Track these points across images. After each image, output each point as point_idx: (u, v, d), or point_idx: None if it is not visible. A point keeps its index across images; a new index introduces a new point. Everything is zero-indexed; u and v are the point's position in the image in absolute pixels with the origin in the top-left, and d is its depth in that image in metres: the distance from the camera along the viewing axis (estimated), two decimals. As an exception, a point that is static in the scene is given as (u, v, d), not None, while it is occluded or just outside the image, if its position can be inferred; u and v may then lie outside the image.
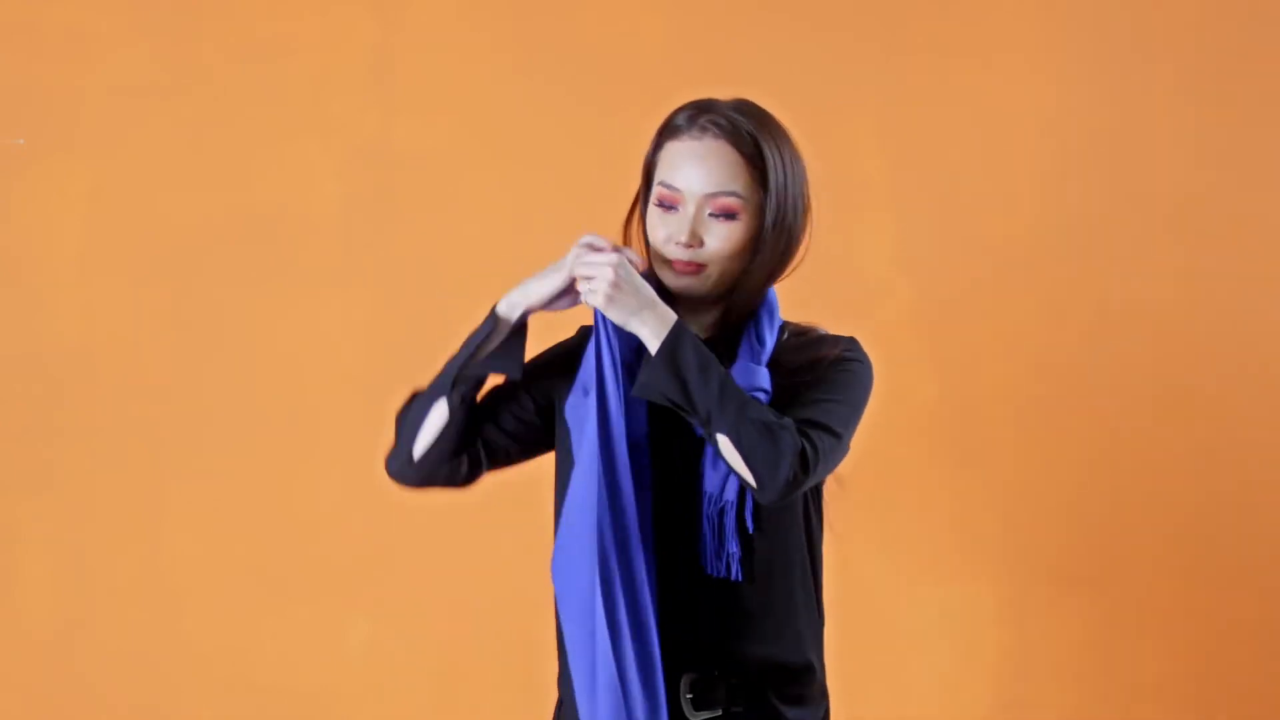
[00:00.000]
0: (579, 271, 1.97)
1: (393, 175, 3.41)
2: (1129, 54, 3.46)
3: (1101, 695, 3.44)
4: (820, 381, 2.03)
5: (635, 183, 2.13)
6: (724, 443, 1.93)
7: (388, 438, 2.11)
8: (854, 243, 3.41)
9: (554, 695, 2.16)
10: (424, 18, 3.42)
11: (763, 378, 2.01)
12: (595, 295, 1.95)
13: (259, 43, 3.39)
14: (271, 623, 3.38)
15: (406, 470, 2.08)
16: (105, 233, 3.37)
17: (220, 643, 3.38)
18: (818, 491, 2.13)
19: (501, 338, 2.04)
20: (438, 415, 2.05)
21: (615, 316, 1.95)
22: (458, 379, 2.03)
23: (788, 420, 1.93)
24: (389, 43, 3.41)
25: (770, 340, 2.06)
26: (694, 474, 2.03)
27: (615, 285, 1.94)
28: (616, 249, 1.99)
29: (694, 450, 2.04)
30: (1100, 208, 3.45)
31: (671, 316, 1.96)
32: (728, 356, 2.05)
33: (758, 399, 1.98)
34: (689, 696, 2.03)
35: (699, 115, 2.03)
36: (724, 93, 2.11)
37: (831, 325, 2.17)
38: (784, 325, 2.12)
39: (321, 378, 3.39)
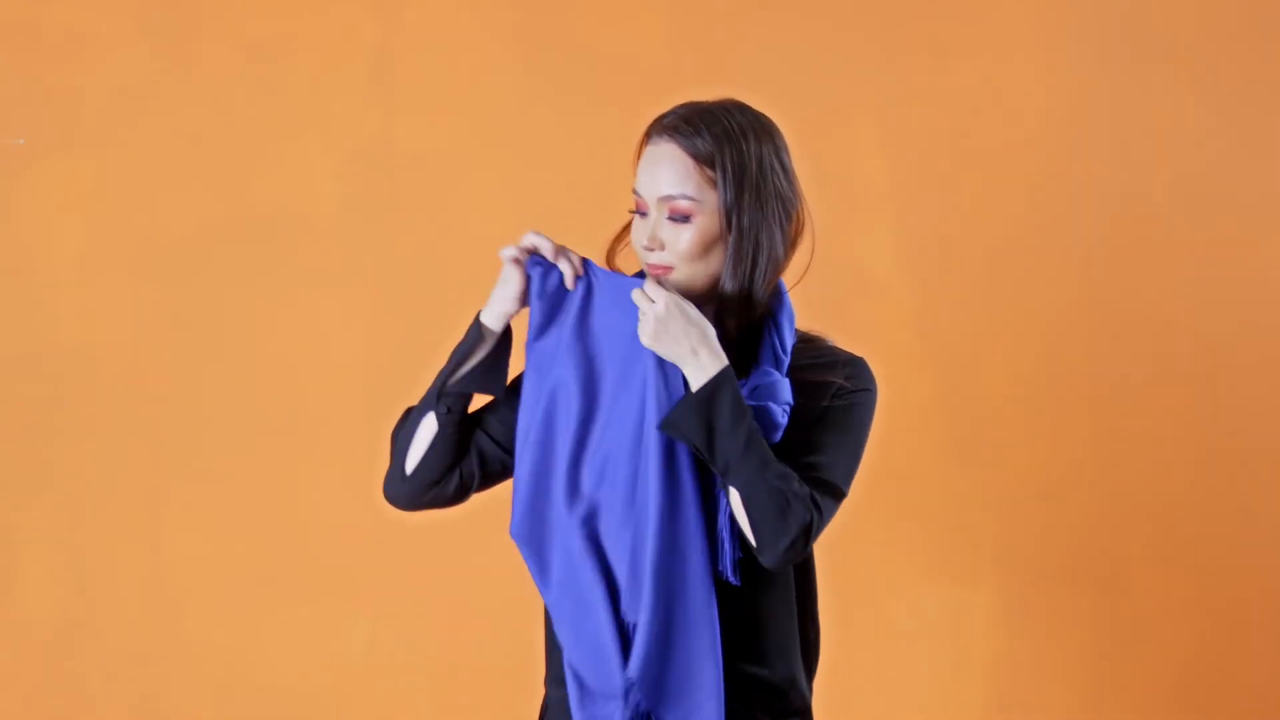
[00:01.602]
0: (636, 300, 1.98)
1: (393, 175, 3.41)
2: (1128, 54, 3.46)
3: (1100, 695, 3.44)
4: (826, 418, 2.03)
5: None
6: (735, 499, 1.95)
7: (386, 449, 2.11)
8: (854, 243, 3.41)
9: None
10: (424, 18, 3.42)
11: (786, 390, 2.00)
12: (644, 333, 1.96)
13: (259, 43, 3.39)
14: (271, 623, 3.38)
15: (399, 487, 2.08)
16: (105, 233, 3.37)
17: (220, 643, 3.38)
18: None
19: (487, 349, 2.05)
20: (426, 429, 2.05)
21: (663, 353, 1.96)
22: (444, 391, 2.04)
23: (803, 489, 1.94)
24: (389, 43, 3.41)
25: (790, 345, 2.05)
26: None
27: (661, 323, 1.94)
28: (562, 250, 2.02)
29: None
30: (1100, 208, 3.45)
31: (720, 362, 1.95)
32: (740, 359, 2.05)
33: (785, 412, 1.98)
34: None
35: (660, 120, 2.04)
36: (725, 93, 2.10)
37: (831, 325, 2.17)
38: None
39: (321, 378, 3.39)
